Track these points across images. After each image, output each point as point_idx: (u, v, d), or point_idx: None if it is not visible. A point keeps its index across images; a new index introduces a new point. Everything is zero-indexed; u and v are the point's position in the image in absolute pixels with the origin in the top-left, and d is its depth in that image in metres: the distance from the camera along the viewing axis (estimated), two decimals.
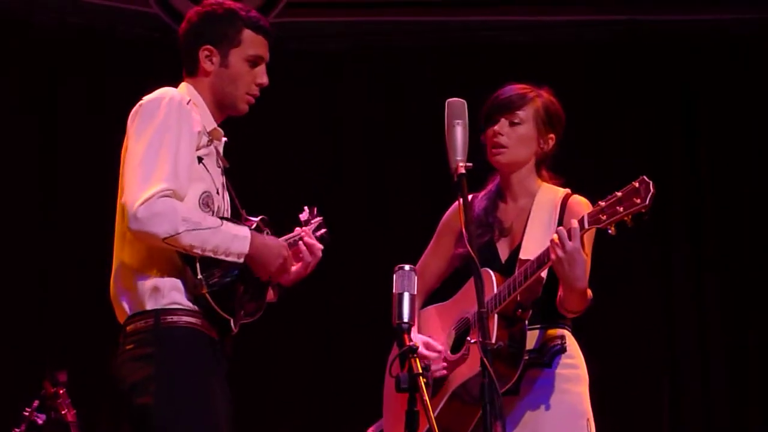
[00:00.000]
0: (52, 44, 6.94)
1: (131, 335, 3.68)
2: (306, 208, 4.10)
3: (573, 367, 4.13)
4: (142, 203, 3.55)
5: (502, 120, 4.19)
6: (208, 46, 3.83)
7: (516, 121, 4.18)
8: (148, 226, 3.55)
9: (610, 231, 3.82)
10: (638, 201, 3.75)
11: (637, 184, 3.78)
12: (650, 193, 3.74)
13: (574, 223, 3.87)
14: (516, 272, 4.02)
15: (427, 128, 4.89)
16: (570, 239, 3.85)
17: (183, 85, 3.86)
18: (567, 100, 4.35)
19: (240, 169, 4.01)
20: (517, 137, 4.19)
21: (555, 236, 3.89)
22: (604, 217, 3.81)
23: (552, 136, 4.24)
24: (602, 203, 3.83)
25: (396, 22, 7.19)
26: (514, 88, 4.24)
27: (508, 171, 4.24)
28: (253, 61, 3.85)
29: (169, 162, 3.61)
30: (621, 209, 3.77)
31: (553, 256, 3.88)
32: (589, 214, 3.87)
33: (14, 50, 6.86)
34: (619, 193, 3.80)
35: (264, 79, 3.87)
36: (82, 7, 6.98)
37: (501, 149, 4.18)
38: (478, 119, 4.21)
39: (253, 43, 3.85)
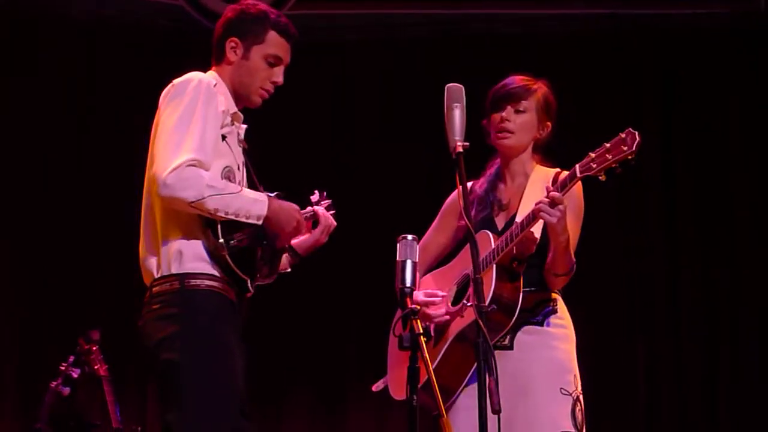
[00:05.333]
0: (88, 36, 6.94)
1: (157, 296, 3.70)
2: (316, 191, 4.14)
3: (562, 327, 4.15)
4: (172, 171, 3.57)
5: (508, 108, 4.21)
6: (235, 39, 3.88)
7: (521, 109, 4.22)
8: (176, 191, 3.57)
9: (600, 178, 3.85)
10: (625, 148, 3.79)
11: (623, 135, 3.82)
12: (636, 141, 3.79)
13: (563, 175, 3.96)
14: (512, 227, 4.05)
15: (427, 113, 4.87)
16: (559, 191, 3.90)
17: (210, 72, 3.89)
18: (553, 86, 4.34)
19: (259, 157, 4.02)
20: (521, 123, 4.22)
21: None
22: (595, 165, 3.84)
23: (548, 124, 4.28)
24: (592, 154, 3.87)
25: (398, 14, 7.18)
26: (519, 80, 4.27)
27: (510, 155, 4.27)
28: (272, 61, 3.88)
29: (197, 135, 3.64)
30: (610, 157, 3.81)
31: (545, 216, 3.90)
32: (580, 163, 3.90)
33: (52, 42, 6.85)
34: (607, 144, 3.84)
35: (279, 78, 3.90)
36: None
37: (507, 134, 4.21)
38: (482, 106, 4.25)
39: (275, 43, 3.89)
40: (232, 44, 3.87)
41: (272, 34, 3.88)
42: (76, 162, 6.82)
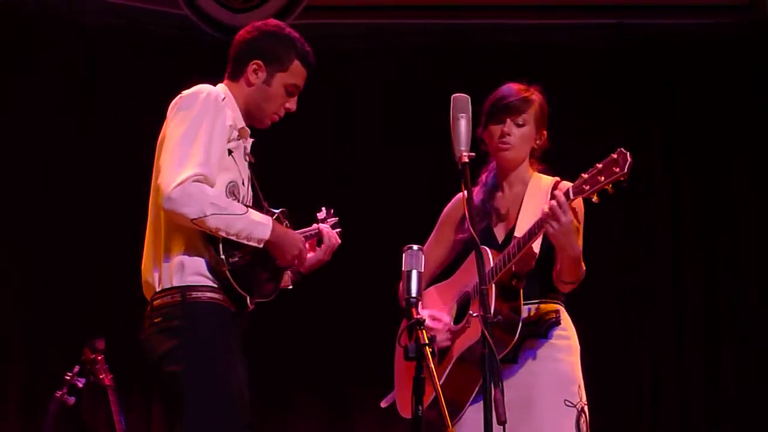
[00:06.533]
0: (88, 36, 6.89)
1: (158, 309, 3.68)
2: (324, 208, 4.14)
3: (565, 338, 4.13)
4: (177, 185, 3.54)
5: (508, 121, 4.18)
6: (259, 62, 3.83)
7: (520, 122, 4.19)
8: (179, 206, 3.54)
9: (593, 199, 3.82)
10: (617, 170, 3.75)
11: (615, 156, 3.78)
12: (628, 162, 3.75)
13: (561, 197, 3.89)
14: (510, 245, 4.02)
15: (428, 122, 4.86)
16: (562, 210, 3.86)
17: (221, 85, 3.86)
18: (560, 96, 4.35)
19: (261, 165, 4.00)
20: (521, 136, 4.19)
21: (546, 207, 3.90)
22: (587, 187, 3.82)
23: (544, 132, 4.26)
24: (585, 175, 3.84)
25: (400, 24, 7.17)
26: (516, 91, 4.23)
27: (510, 167, 4.24)
28: (291, 90, 3.87)
29: (202, 150, 3.62)
30: (602, 179, 3.78)
31: (551, 230, 3.88)
32: (573, 185, 3.87)
33: (52, 42, 6.81)
34: (599, 165, 3.81)
35: (293, 106, 3.88)
36: (117, 9, 6.96)
37: (508, 147, 4.18)
38: (480, 116, 4.20)
39: (297, 73, 3.86)
40: (255, 67, 3.83)
41: (296, 64, 3.86)
42: (76, 162, 6.77)
